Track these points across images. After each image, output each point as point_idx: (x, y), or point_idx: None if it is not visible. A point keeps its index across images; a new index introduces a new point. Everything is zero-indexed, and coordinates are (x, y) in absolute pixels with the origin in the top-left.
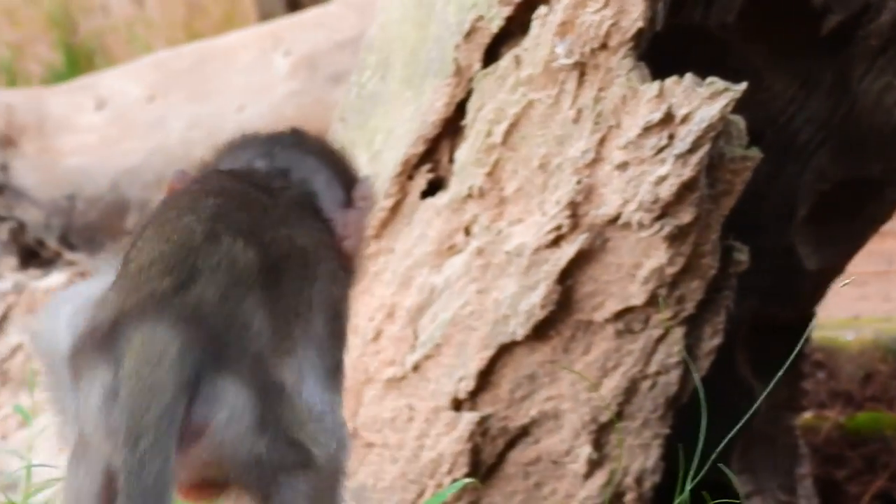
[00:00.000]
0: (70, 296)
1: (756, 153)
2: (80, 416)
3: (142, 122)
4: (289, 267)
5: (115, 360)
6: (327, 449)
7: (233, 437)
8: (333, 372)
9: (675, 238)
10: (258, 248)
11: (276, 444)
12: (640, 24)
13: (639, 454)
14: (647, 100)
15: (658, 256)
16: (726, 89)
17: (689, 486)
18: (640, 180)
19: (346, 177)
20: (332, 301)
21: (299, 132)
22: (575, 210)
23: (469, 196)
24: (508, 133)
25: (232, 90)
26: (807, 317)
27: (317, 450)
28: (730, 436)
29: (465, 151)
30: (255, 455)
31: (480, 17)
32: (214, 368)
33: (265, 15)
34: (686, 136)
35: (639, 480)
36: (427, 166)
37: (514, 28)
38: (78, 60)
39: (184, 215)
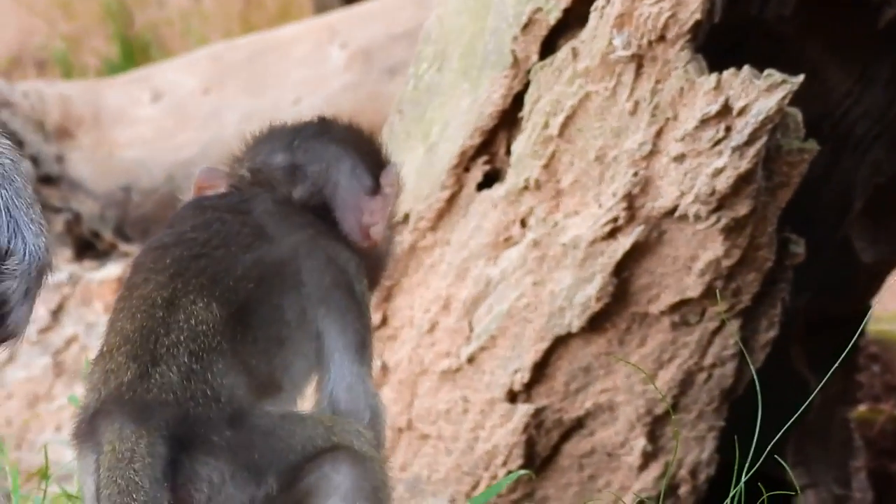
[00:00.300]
0: None
1: (813, 146)
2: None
3: (197, 114)
4: (265, 290)
5: (97, 452)
6: (362, 419)
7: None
8: (360, 347)
9: (731, 230)
10: (221, 298)
11: (284, 474)
12: (697, 16)
13: (694, 446)
14: (705, 92)
15: (714, 249)
16: (784, 81)
17: (744, 479)
18: (696, 172)
19: (373, 163)
20: (337, 285)
21: (326, 121)
22: (631, 202)
23: (525, 188)
24: (565, 125)
25: (287, 83)
26: (862, 310)
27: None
28: (784, 428)
29: (521, 143)
30: (261, 496)
31: (538, 9)
32: (186, 450)
33: (321, 7)
34: (743, 128)
35: (693, 473)
36: (483, 158)
37: (572, 20)
38: (133, 53)
39: (149, 281)
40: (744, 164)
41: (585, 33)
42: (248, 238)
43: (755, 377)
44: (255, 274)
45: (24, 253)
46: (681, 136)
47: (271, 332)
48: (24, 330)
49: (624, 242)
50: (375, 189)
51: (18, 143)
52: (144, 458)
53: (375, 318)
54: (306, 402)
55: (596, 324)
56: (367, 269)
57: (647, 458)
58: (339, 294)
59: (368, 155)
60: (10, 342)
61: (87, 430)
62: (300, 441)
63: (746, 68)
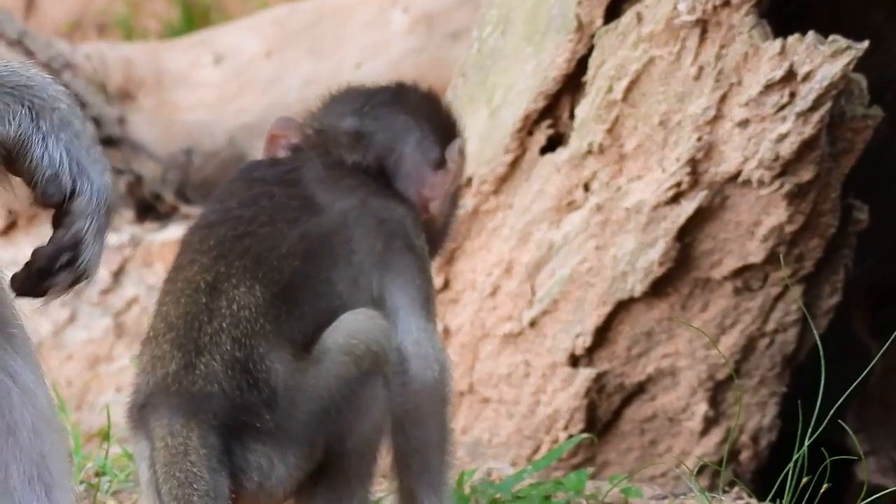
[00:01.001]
0: None
1: (877, 112)
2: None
3: (259, 77)
4: (312, 264)
5: (150, 442)
6: (431, 373)
7: (279, 487)
8: (424, 302)
9: (794, 196)
10: (264, 279)
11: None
12: None
13: (755, 412)
14: (769, 57)
15: (777, 214)
16: (848, 48)
17: (807, 444)
18: (760, 138)
19: (441, 136)
20: (391, 246)
21: (401, 89)
22: (695, 167)
23: (589, 152)
24: (629, 89)
25: (349, 47)
26: None
27: (423, 374)
28: (846, 395)
29: (585, 107)
30: (317, 457)
31: None
32: (236, 438)
33: None
34: (807, 94)
35: (755, 438)
36: (547, 122)
37: None
38: (194, 16)
39: (194, 262)
40: (808, 130)
41: None
42: (295, 212)
43: (818, 343)
44: (300, 250)
45: (91, 192)
46: (745, 102)
47: (320, 306)
48: (96, 270)
49: (687, 207)
50: (440, 163)
51: (80, 105)
52: (198, 449)
53: (437, 281)
54: None
55: (658, 288)
56: (427, 236)
57: (709, 424)
58: (395, 254)
59: (438, 128)
60: (83, 283)
61: (138, 419)
62: (330, 384)
63: (811, 34)
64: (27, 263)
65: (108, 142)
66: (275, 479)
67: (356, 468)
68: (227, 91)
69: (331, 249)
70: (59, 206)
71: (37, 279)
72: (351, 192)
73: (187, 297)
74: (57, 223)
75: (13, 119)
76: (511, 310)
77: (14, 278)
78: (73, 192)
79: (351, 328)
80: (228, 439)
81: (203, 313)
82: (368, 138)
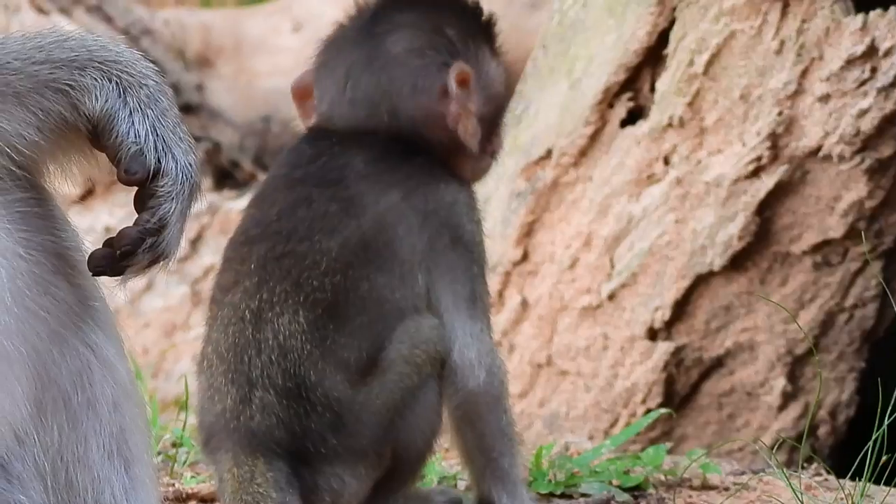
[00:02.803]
0: None
1: None
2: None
3: None
4: (355, 276)
5: (218, 476)
6: (476, 380)
7: (353, 500)
8: (471, 300)
9: (875, 171)
10: (306, 303)
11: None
12: None
13: (833, 387)
14: (851, 32)
15: (858, 189)
16: None
17: (887, 421)
18: (841, 113)
19: (437, 59)
20: (437, 241)
21: (374, 27)
22: (775, 141)
23: (669, 125)
24: (710, 63)
25: None
26: None
27: (466, 382)
28: None
29: (666, 81)
30: (384, 466)
31: None
32: (304, 462)
33: None
34: (889, 69)
35: (833, 414)
36: (627, 95)
37: None
38: None
39: (238, 285)
40: (889, 106)
41: None
42: (335, 218)
43: None
44: (341, 263)
45: (177, 172)
46: (826, 77)
47: (371, 315)
48: (176, 250)
49: (767, 182)
50: (445, 88)
51: (159, 72)
52: (265, 474)
53: (516, 253)
54: None
55: (737, 263)
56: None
57: (787, 399)
58: (440, 252)
59: (428, 53)
60: (163, 263)
61: (206, 447)
62: (395, 395)
63: (893, 9)
64: (108, 242)
65: (187, 109)
66: (347, 496)
67: (414, 465)
68: (306, 58)
69: (374, 253)
70: (143, 184)
71: (119, 260)
72: (393, 188)
73: (234, 326)
74: (140, 203)
75: (100, 94)
76: (590, 283)
77: (92, 256)
78: (157, 170)
79: (415, 338)
80: (296, 464)
81: (251, 346)
82: (370, 100)
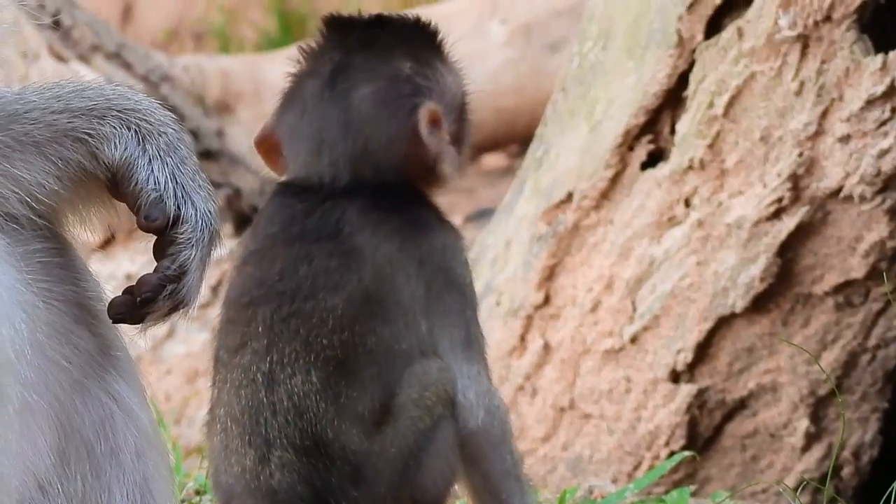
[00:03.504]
0: None
1: None
2: None
3: None
4: (362, 330)
5: None
6: (476, 420)
7: None
8: (467, 342)
9: None
10: (317, 362)
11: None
12: None
13: (857, 428)
14: (871, 72)
15: (879, 230)
16: None
17: None
18: (862, 153)
19: (402, 100)
20: (432, 287)
21: (335, 75)
22: (796, 182)
23: (689, 167)
24: (730, 105)
25: None
26: None
27: (467, 423)
28: None
29: (686, 123)
30: None
31: None
32: None
33: None
34: None
35: (856, 454)
36: (648, 137)
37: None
38: (291, 26)
39: (245, 347)
40: None
41: (751, 13)
42: (336, 274)
43: None
44: (347, 318)
45: (196, 219)
46: (846, 117)
47: (381, 366)
48: (197, 297)
49: (788, 223)
50: (418, 133)
51: (179, 118)
52: None
53: (538, 297)
54: None
55: (759, 304)
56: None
57: (810, 440)
58: (436, 296)
59: (394, 102)
60: (184, 310)
61: None
62: (409, 440)
63: None
64: (128, 289)
65: (207, 154)
66: None
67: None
68: None
69: (377, 305)
70: (162, 231)
71: (139, 307)
72: (388, 238)
73: (246, 388)
74: (160, 250)
75: (119, 142)
76: (612, 325)
77: (112, 304)
78: (176, 217)
79: (423, 381)
80: None
81: (265, 408)
82: (350, 161)
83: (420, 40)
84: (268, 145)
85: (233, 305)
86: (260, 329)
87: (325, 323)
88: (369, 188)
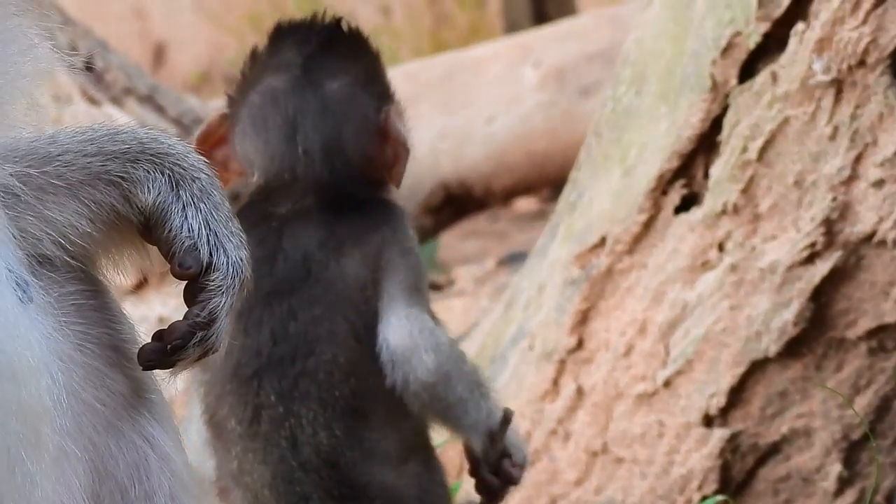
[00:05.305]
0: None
1: None
2: None
3: None
4: (363, 368)
5: None
6: (424, 368)
7: None
8: (411, 289)
9: None
10: (336, 416)
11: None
12: None
13: (889, 472)
14: None
15: None
16: None
17: None
18: (895, 198)
19: (369, 112)
20: (399, 277)
21: (308, 87)
22: (830, 227)
23: (723, 212)
24: (764, 149)
25: (481, 102)
26: None
27: (415, 372)
28: None
29: (719, 167)
30: None
31: (738, 33)
32: None
33: (511, 26)
34: None
35: (889, 499)
36: (681, 181)
37: (771, 44)
38: None
39: (261, 417)
40: None
41: (785, 58)
42: (325, 322)
43: None
44: (349, 365)
45: (228, 267)
46: (880, 162)
47: (387, 403)
48: (225, 343)
49: (822, 268)
50: (381, 132)
51: None
52: None
53: (571, 341)
54: None
55: (793, 349)
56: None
57: (843, 484)
58: (391, 260)
59: (364, 99)
60: (213, 356)
61: None
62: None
63: None
64: (157, 335)
65: (237, 198)
66: None
67: None
68: None
69: (370, 339)
70: (194, 279)
71: (169, 354)
72: (358, 263)
73: (272, 455)
74: (190, 296)
75: (153, 186)
76: (645, 369)
77: (143, 351)
78: (208, 264)
79: None
80: None
81: (296, 470)
82: (325, 149)
83: (375, 51)
84: (214, 140)
85: (233, 379)
86: (273, 398)
87: (332, 375)
88: (327, 200)
